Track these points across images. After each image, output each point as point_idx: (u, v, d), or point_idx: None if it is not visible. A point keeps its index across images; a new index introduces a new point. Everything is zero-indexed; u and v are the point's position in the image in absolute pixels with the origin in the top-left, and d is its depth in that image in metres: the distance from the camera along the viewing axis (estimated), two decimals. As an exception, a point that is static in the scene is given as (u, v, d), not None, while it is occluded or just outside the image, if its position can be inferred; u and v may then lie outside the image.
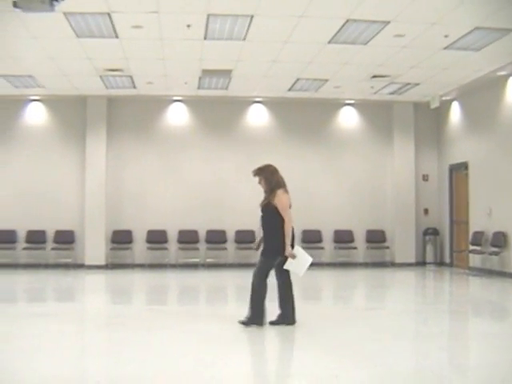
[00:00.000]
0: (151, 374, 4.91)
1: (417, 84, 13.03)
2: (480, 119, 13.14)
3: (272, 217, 6.66)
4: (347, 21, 9.12)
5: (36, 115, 14.30)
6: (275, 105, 14.75)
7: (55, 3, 7.00)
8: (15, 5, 7.06)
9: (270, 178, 6.77)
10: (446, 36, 9.71)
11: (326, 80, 12.79)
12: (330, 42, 10.18)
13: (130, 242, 14.16)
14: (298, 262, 6.63)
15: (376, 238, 14.75)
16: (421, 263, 14.73)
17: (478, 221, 13.06)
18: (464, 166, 13.80)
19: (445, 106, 14.52)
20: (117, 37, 9.84)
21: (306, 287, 10.48)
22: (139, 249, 14.21)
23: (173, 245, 14.26)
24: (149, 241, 14.15)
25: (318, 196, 14.71)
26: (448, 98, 14.08)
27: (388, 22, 9.14)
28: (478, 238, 12.79)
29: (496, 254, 12.11)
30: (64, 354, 5.67)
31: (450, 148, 14.56)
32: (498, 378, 4.89)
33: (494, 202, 12.43)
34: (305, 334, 6.58)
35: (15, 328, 6.86)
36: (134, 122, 14.50)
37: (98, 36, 9.74)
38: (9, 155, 14.12)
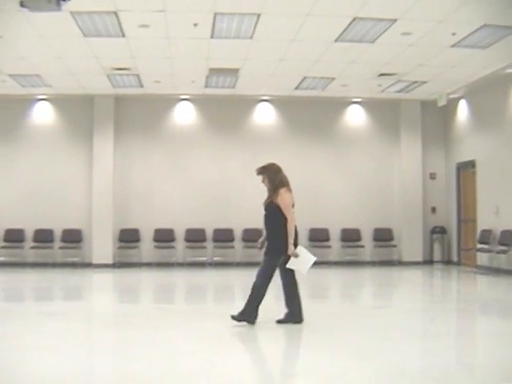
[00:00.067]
0: (159, 372, 4.91)
1: (424, 82, 12.99)
2: (487, 117, 13.09)
3: (275, 216, 6.65)
4: (354, 19, 9.10)
5: (43, 114, 14.34)
6: (282, 103, 14.73)
7: (62, 2, 7.03)
8: (22, 4, 7.11)
9: (273, 176, 6.77)
10: (453, 34, 9.67)
11: (333, 78, 12.77)
12: (336, 41, 10.16)
13: (138, 240, 14.18)
14: (301, 260, 6.63)
15: (383, 236, 14.72)
16: (428, 262, 14.69)
17: (485, 219, 13.01)
18: (471, 165, 13.76)
19: (452, 104, 14.46)
20: (124, 36, 9.86)
21: (313, 286, 10.47)
22: (146, 247, 14.24)
23: (180, 243, 14.28)
24: (156, 239, 14.18)
25: (325, 194, 14.69)
26: (455, 95, 14.03)
27: (395, 20, 9.11)
28: (486, 236, 12.74)
29: (504, 252, 12.06)
30: (72, 352, 5.68)
31: (458, 146, 14.51)
32: (505, 376, 4.86)
33: (502, 200, 12.38)
34: (312, 332, 6.57)
35: (23, 327, 6.90)
36: (141, 120, 14.52)
37: (104, 35, 9.76)
38: (16, 154, 14.17)
